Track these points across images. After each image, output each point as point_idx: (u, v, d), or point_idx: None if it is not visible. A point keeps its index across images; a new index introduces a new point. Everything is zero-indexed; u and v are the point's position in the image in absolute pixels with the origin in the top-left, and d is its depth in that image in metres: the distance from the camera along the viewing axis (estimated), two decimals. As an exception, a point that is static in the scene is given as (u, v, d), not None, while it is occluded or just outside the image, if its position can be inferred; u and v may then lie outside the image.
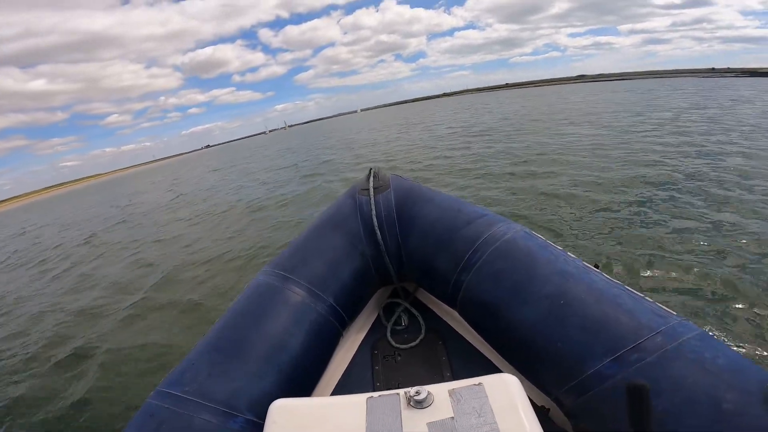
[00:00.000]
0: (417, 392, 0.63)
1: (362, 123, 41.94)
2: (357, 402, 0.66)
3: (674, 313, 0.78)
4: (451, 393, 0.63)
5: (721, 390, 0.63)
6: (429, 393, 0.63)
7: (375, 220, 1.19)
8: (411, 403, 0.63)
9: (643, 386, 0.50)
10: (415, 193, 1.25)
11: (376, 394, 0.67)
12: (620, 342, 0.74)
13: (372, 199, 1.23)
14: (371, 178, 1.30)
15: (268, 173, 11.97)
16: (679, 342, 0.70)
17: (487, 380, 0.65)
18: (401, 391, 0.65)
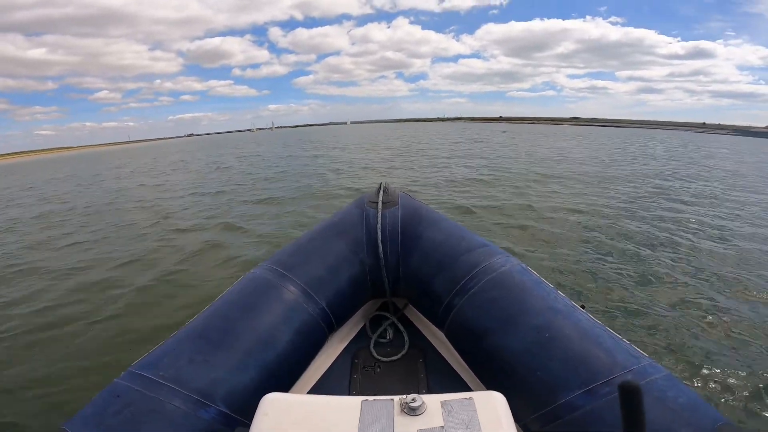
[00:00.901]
0: (413, 399, 0.65)
1: (351, 136, 40.38)
2: (351, 403, 0.67)
3: (646, 355, 0.86)
4: (443, 404, 0.66)
5: (677, 425, 0.71)
6: (423, 402, 0.65)
7: (380, 233, 1.22)
8: (405, 410, 0.65)
9: (637, 387, 0.51)
10: (421, 213, 1.30)
11: (371, 397, 0.68)
12: (594, 376, 0.80)
13: (379, 212, 1.26)
14: (381, 192, 1.34)
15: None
16: (647, 381, 0.77)
17: (478, 395, 0.68)
18: (396, 398, 0.67)
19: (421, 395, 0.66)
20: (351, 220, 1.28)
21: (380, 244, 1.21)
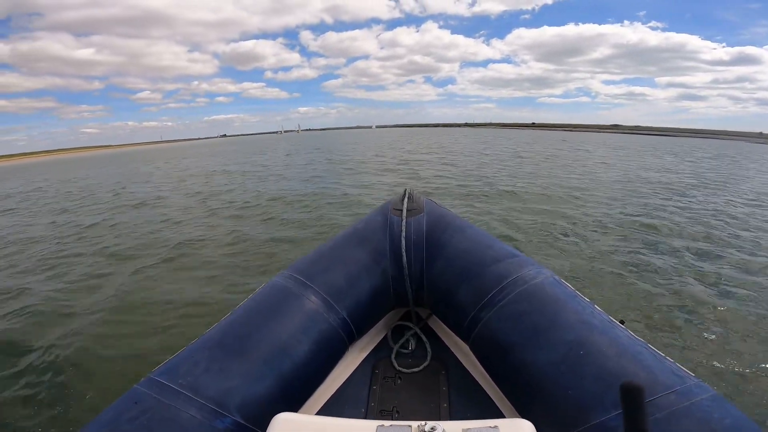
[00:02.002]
0: (432, 428, 0.62)
1: (379, 140, 39.18)
2: (366, 428, 0.66)
3: (692, 374, 0.81)
4: None
5: None
6: (444, 430, 0.62)
7: (404, 241, 1.20)
8: None
9: (638, 387, 0.51)
10: (447, 221, 1.27)
11: (387, 423, 0.66)
12: None
13: (404, 220, 1.24)
14: (405, 199, 1.32)
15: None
16: (692, 402, 0.73)
17: (504, 424, 0.65)
18: (414, 424, 0.65)
19: (441, 422, 0.64)
20: (374, 227, 1.27)
21: (404, 253, 1.19)
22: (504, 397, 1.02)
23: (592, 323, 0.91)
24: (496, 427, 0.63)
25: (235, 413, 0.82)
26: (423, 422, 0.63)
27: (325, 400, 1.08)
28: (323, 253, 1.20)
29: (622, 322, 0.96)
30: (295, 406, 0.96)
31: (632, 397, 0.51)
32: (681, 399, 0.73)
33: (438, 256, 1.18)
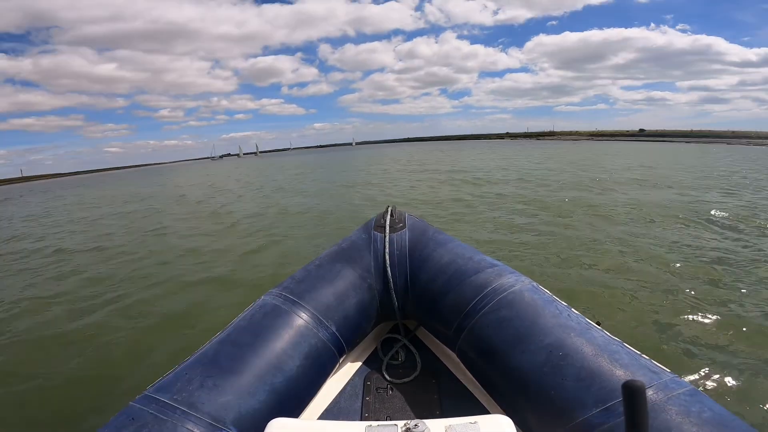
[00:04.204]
0: (416, 425, 0.67)
1: (347, 175, 22.30)
2: (355, 429, 0.71)
3: (668, 370, 0.87)
4: (448, 429, 0.68)
5: None
6: (427, 427, 0.67)
7: (387, 257, 1.27)
8: None
9: (640, 387, 0.52)
10: (429, 236, 1.34)
11: (374, 423, 0.71)
12: (612, 393, 0.81)
13: (387, 236, 1.31)
14: (388, 216, 1.38)
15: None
16: (669, 396, 0.77)
17: (483, 420, 0.72)
18: (400, 423, 0.69)
19: (425, 420, 0.70)
20: (359, 245, 1.33)
21: (388, 268, 1.26)
22: (493, 401, 1.09)
23: (569, 326, 0.97)
24: (476, 422, 0.71)
25: (231, 427, 0.87)
26: (408, 421, 0.70)
27: (320, 413, 1.14)
28: (310, 272, 1.26)
29: (599, 324, 1.03)
30: (289, 418, 1.02)
31: (634, 396, 0.52)
32: (658, 395, 0.78)
33: (422, 270, 1.25)
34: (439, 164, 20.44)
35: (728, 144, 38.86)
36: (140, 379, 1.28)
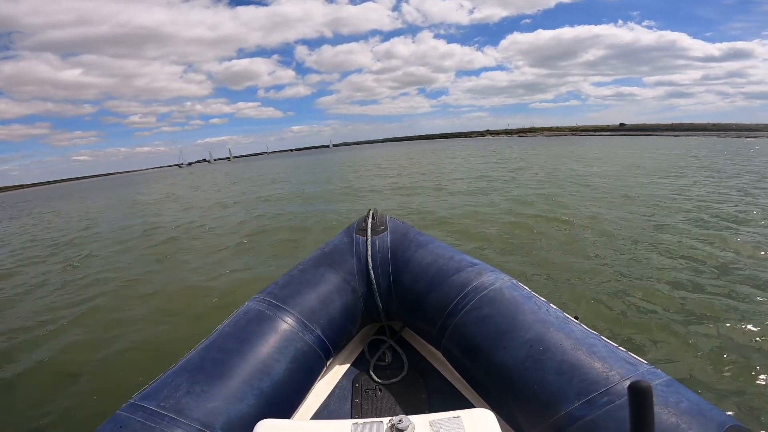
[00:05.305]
0: (400, 421, 0.69)
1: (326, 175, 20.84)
2: (342, 427, 0.72)
3: (645, 361, 0.90)
4: (432, 424, 0.71)
5: (682, 431, 0.73)
6: (411, 423, 0.70)
7: (370, 259, 1.29)
8: (393, 431, 0.69)
9: (647, 387, 0.52)
10: (410, 238, 1.37)
11: (360, 420, 0.73)
12: (592, 386, 0.84)
13: (369, 239, 1.33)
14: (369, 219, 1.40)
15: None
16: None
17: (466, 414, 0.74)
18: (385, 419, 0.71)
19: (410, 416, 0.72)
20: (341, 248, 1.35)
21: (371, 271, 1.28)
22: (479, 397, 1.12)
23: (548, 321, 1.01)
24: (459, 416, 0.73)
25: None
26: (393, 417, 0.71)
27: (310, 416, 1.15)
28: (293, 277, 1.27)
29: (576, 318, 1.06)
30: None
31: (640, 397, 0.52)
32: None
33: (404, 271, 1.28)
34: (438, 176, 13.83)
35: (718, 137, 38.63)
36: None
